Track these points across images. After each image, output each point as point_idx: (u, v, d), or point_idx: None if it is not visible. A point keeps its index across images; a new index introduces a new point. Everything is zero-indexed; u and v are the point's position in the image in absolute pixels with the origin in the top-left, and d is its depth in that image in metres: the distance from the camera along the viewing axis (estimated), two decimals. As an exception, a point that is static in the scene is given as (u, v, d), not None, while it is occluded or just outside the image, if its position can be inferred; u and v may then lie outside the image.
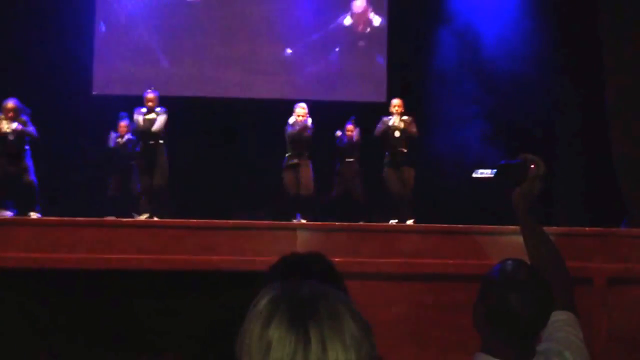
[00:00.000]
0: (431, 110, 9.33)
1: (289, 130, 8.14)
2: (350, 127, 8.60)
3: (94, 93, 9.83)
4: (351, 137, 8.57)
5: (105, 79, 9.93)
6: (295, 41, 10.18)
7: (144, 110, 7.85)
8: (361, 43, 10.29)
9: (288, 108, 8.63)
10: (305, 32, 10.18)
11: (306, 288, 1.16)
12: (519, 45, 9.20)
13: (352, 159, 8.57)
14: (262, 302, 1.14)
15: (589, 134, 8.64)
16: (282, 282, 1.19)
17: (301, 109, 8.20)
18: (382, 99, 9.94)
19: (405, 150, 8.11)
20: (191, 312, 5.28)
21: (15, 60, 9.13)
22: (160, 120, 7.78)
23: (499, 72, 9.20)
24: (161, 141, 7.84)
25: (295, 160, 8.10)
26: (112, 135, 8.56)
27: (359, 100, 10.02)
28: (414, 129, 8.13)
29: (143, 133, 7.78)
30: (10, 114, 7.25)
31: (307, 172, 8.13)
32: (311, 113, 8.36)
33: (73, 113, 8.98)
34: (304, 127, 8.10)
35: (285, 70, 10.12)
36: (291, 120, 8.18)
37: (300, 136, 8.09)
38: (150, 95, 7.90)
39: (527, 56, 9.19)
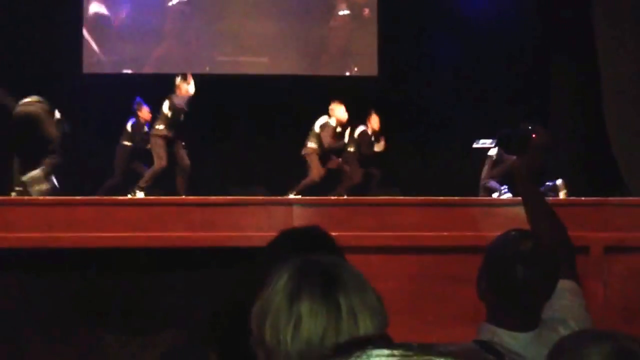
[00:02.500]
0: (424, 81, 9.33)
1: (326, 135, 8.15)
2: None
3: (84, 72, 9.77)
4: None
5: (95, 57, 9.87)
6: (284, 16, 10.10)
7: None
8: (352, 16, 10.22)
9: (277, 83, 8.61)
10: (294, 6, 10.10)
11: (326, 261, 1.16)
12: (511, 12, 9.18)
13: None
14: (284, 278, 1.13)
15: (583, 102, 8.64)
16: (297, 257, 1.18)
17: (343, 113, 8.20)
18: (374, 72, 9.92)
19: None
20: (189, 289, 5.30)
21: (2, 41, 9.06)
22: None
23: (491, 41, 9.18)
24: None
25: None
26: (133, 120, 8.60)
27: (349, 75, 9.98)
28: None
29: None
30: None
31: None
32: (302, 88, 8.36)
33: (64, 92, 8.93)
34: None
35: (275, 46, 10.05)
36: (331, 122, 8.18)
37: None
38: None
39: (519, 22, 9.17)
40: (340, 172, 8.37)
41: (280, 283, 1.14)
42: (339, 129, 8.22)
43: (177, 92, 8.05)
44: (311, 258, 1.18)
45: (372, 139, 8.55)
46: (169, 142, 8.00)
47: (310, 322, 1.09)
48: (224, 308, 2.96)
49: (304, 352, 1.09)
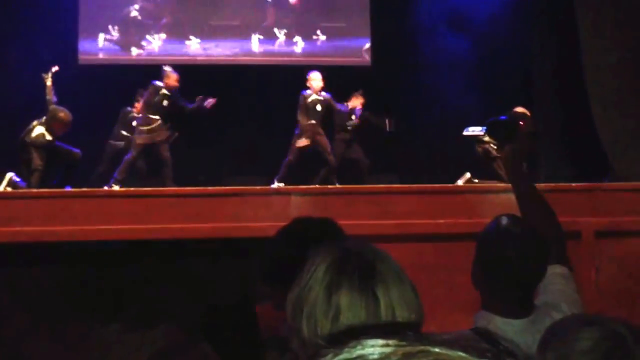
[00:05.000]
0: (412, 69, 9.37)
1: (305, 101, 8.04)
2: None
3: (80, 62, 9.77)
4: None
5: (91, 47, 9.88)
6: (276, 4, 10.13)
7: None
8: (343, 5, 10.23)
9: (272, 72, 8.62)
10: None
11: (364, 252, 1.14)
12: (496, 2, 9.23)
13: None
14: (321, 269, 1.11)
15: (567, 86, 8.69)
16: (333, 247, 1.16)
17: (318, 79, 8.10)
18: (367, 62, 9.96)
19: None
20: (188, 281, 5.32)
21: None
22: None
23: (477, 26, 9.21)
24: None
25: (309, 134, 8.05)
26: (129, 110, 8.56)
27: (341, 64, 10.00)
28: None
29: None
30: None
31: (325, 143, 8.15)
32: (298, 77, 8.36)
33: (59, 83, 8.93)
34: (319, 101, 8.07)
35: (266, 34, 10.08)
36: (307, 92, 8.08)
37: (317, 110, 8.06)
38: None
39: (504, 8, 9.22)
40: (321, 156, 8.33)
41: (318, 274, 1.11)
42: (313, 97, 8.07)
43: (166, 81, 7.86)
44: (349, 248, 1.16)
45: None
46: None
47: (349, 315, 1.08)
48: (218, 299, 3.00)
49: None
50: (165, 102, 7.81)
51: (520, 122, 2.21)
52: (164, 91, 7.80)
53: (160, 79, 7.88)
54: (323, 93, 8.19)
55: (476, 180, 7.27)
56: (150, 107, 7.81)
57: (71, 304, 5.32)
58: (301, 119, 8.06)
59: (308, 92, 8.12)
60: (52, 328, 5.31)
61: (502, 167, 6.50)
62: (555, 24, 8.82)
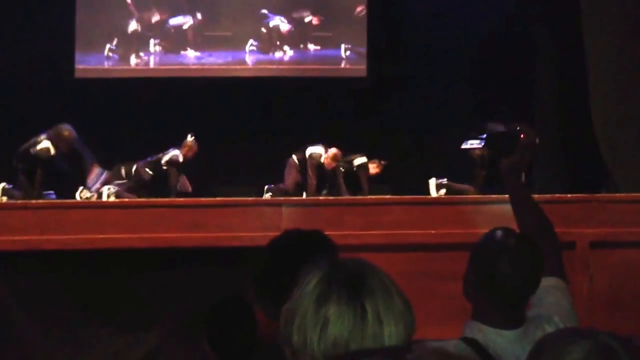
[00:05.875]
0: (409, 78, 9.38)
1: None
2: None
3: (76, 77, 9.76)
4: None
5: (87, 61, 9.88)
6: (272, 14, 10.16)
7: None
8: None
9: (264, 84, 8.67)
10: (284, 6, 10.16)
11: (354, 265, 1.18)
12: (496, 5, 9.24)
13: None
14: (312, 282, 1.16)
15: (566, 97, 8.69)
16: (327, 261, 1.21)
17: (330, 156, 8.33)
18: (362, 74, 9.96)
19: None
20: (180, 288, 5.33)
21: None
22: None
23: (477, 34, 9.23)
24: None
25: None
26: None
27: (338, 76, 9.99)
28: None
29: None
30: None
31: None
32: (289, 89, 8.37)
33: (56, 97, 8.96)
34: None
35: (259, 46, 10.09)
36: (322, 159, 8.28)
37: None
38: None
39: (503, 15, 9.23)
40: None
41: (309, 286, 1.16)
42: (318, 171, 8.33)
43: (184, 150, 8.18)
44: (340, 262, 1.20)
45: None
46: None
47: (336, 326, 1.11)
48: (221, 303, 2.99)
49: (330, 355, 1.11)
50: (166, 167, 8.17)
51: (522, 135, 2.22)
52: (176, 161, 8.20)
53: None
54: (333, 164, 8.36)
55: (445, 181, 7.28)
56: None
57: (66, 307, 5.34)
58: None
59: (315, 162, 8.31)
60: (48, 328, 5.33)
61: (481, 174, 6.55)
62: (558, 32, 8.82)
